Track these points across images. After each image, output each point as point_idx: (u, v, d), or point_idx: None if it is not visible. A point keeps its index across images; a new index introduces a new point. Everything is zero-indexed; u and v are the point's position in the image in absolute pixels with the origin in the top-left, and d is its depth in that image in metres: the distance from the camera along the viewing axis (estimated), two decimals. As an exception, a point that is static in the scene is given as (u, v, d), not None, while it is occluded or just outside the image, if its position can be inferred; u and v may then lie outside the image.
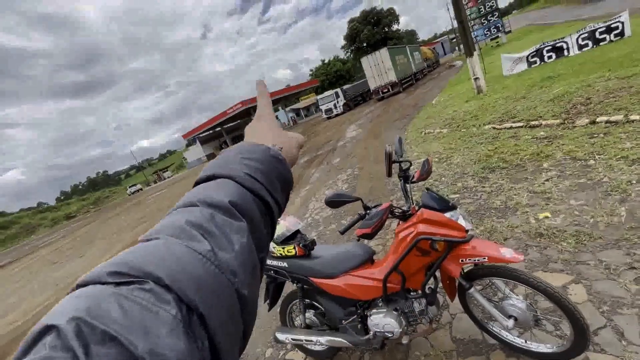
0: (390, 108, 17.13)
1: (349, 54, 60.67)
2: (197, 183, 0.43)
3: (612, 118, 4.21)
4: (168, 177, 64.40)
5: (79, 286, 0.27)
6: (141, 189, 54.61)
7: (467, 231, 1.65)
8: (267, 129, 0.56)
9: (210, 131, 52.41)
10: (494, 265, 1.69)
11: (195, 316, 0.27)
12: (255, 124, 0.58)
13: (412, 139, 8.06)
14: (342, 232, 1.79)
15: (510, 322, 1.66)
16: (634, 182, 2.87)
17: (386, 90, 24.30)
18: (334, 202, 1.76)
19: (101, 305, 0.24)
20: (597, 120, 4.37)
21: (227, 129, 52.33)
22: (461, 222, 1.67)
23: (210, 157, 52.91)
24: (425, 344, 2.16)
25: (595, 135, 4.02)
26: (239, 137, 54.30)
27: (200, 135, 52.52)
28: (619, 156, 3.34)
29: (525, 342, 1.79)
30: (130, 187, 57.35)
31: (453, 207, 1.73)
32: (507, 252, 1.57)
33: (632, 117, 3.99)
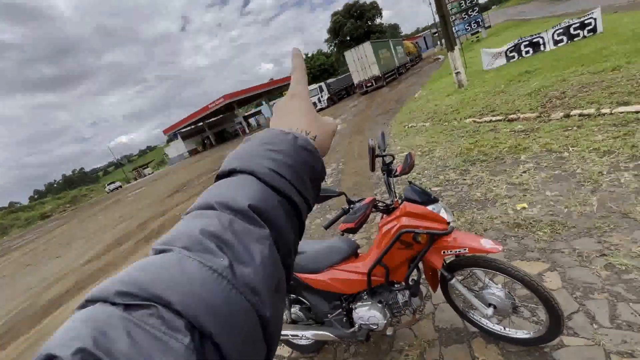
0: (374, 102, 17.22)
1: (332, 47, 60.39)
2: (218, 177, 0.39)
3: (585, 111, 4.38)
4: (148, 174, 62.70)
5: (87, 302, 0.25)
6: (120, 187, 52.93)
7: (448, 223, 1.68)
8: (300, 111, 0.47)
9: (192, 126, 51.24)
10: (474, 255, 1.74)
11: (210, 344, 0.24)
12: (287, 102, 0.49)
13: (395, 133, 8.13)
14: (326, 227, 1.79)
15: (490, 310, 1.72)
16: (605, 172, 3.01)
17: (370, 84, 24.40)
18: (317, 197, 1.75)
19: (108, 334, 0.22)
20: (571, 113, 4.54)
21: (209, 124, 51.32)
22: (443, 214, 1.70)
23: (193, 152, 51.82)
24: (409, 335, 2.21)
25: (569, 128, 4.18)
26: (222, 133, 53.44)
27: (182, 131, 51.25)
28: (591, 148, 3.48)
29: (504, 328, 1.86)
30: (108, 184, 55.46)
31: (435, 200, 1.75)
32: (486, 243, 1.61)
33: (603, 110, 4.16)
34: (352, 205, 1.81)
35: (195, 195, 12.05)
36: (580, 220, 2.56)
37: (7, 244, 31.16)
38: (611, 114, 4.05)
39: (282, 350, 2.57)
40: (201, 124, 49.97)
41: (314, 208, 5.10)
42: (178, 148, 54.50)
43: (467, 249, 1.62)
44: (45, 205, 52.59)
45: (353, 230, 1.68)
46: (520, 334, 1.79)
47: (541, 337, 1.69)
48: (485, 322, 1.91)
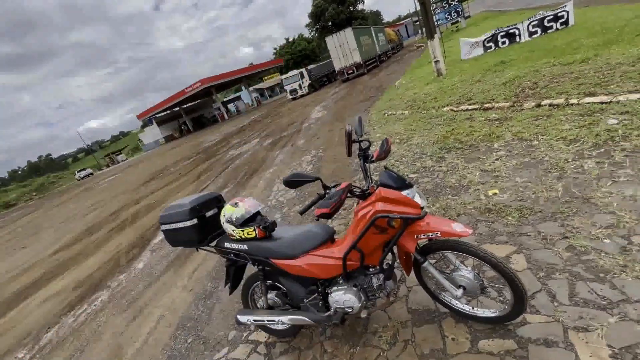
0: (355, 90, 17.17)
1: (314, 32, 59.28)
2: None
3: (555, 101, 4.55)
4: (122, 161, 60.15)
5: None
6: (92, 174, 50.53)
7: (422, 208, 1.71)
8: None
9: (168, 111, 49.36)
10: (446, 239, 1.78)
11: None
12: None
13: (375, 120, 8.17)
14: (302, 213, 1.78)
15: (460, 292, 1.78)
16: (570, 160, 3.15)
17: (351, 71, 24.26)
18: (292, 182, 1.73)
19: None
20: (542, 103, 4.70)
21: (186, 109, 49.58)
22: (417, 199, 1.72)
23: (169, 138, 50.06)
24: (383, 317, 2.27)
25: (539, 118, 4.33)
26: (199, 118, 51.80)
27: (157, 116, 49.29)
28: (559, 137, 3.63)
29: (472, 308, 1.94)
30: (78, 171, 52.73)
31: (409, 185, 1.77)
32: (457, 227, 1.65)
33: (572, 101, 4.34)
34: (327, 191, 1.80)
35: (172, 183, 11.73)
36: (546, 205, 2.68)
37: (-33, 234, 29.27)
38: (578, 104, 4.23)
39: (259, 336, 2.58)
40: (178, 109, 48.22)
41: (294, 194, 5.07)
42: (153, 134, 52.48)
43: (439, 232, 1.66)
44: (9, 193, 49.54)
45: (328, 216, 1.68)
46: (488, 313, 1.87)
47: (506, 315, 1.78)
48: (455, 303, 1.98)
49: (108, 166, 60.12)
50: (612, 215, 2.30)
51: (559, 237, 2.30)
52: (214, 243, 2.29)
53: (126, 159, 62.16)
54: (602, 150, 3.10)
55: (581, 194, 2.64)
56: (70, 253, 7.53)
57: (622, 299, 1.74)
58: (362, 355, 2.05)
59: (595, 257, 2.03)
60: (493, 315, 1.84)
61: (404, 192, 1.73)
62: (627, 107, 3.61)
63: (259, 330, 2.61)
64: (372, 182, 1.90)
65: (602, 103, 3.98)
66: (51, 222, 14.02)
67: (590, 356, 1.54)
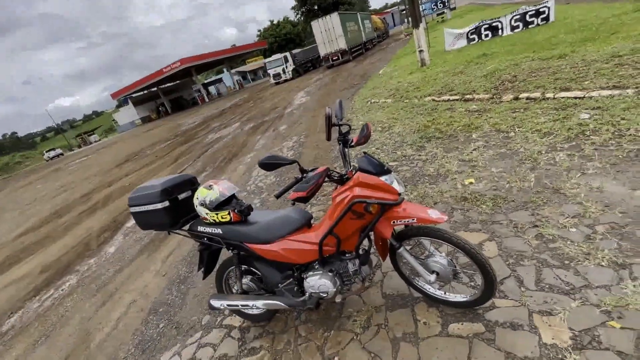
0: (340, 77, 16.99)
1: (299, 16, 57.77)
2: None
3: (532, 95, 4.66)
4: (95, 142, 57.38)
5: None
6: (62, 154, 48.07)
7: (399, 194, 1.70)
8: None
9: (145, 91, 47.22)
10: (422, 225, 1.79)
11: None
12: None
13: (358, 108, 8.12)
14: (277, 196, 1.73)
15: (433, 277, 1.80)
16: (543, 152, 3.24)
17: (336, 58, 23.95)
18: (268, 165, 1.67)
19: None
20: (520, 96, 4.80)
21: (164, 90, 47.58)
22: (395, 185, 1.71)
23: (146, 120, 48.08)
24: (358, 301, 2.28)
25: (517, 110, 4.42)
26: (178, 100, 49.92)
27: (133, 96, 47.05)
28: (534, 129, 3.73)
29: (445, 293, 1.98)
30: (47, 151, 49.97)
31: (388, 171, 1.75)
32: (433, 214, 1.66)
33: (548, 95, 4.45)
34: (304, 175, 1.75)
35: (148, 165, 11.31)
36: (519, 195, 2.75)
37: None
38: (554, 98, 4.34)
39: (233, 320, 2.55)
40: (155, 89, 46.17)
41: (273, 180, 5.00)
42: (129, 114, 50.20)
43: (415, 219, 1.66)
44: (-31, 172, 46.41)
45: (304, 200, 1.64)
46: (459, 298, 1.92)
47: (476, 300, 1.83)
48: (428, 288, 2.02)
49: (80, 147, 57.28)
50: (579, 206, 2.39)
51: (529, 226, 2.38)
52: (187, 227, 2.21)
53: (99, 140, 59.43)
54: (574, 143, 3.21)
55: (552, 184, 2.73)
56: (36, 236, 7.17)
57: (584, 284, 1.82)
58: (335, 339, 2.07)
59: (562, 245, 2.11)
60: (464, 299, 1.89)
61: (382, 178, 1.71)
62: (599, 102, 3.74)
63: (234, 315, 2.58)
64: (350, 167, 1.86)
65: (576, 98, 4.10)
66: (16, 204, 13.27)
67: (552, 338, 1.61)
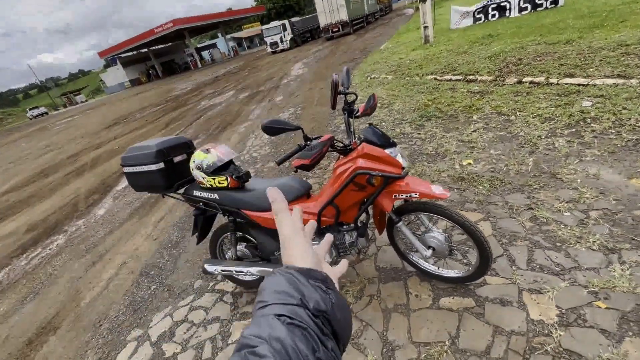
0: (339, 50, 16.46)
1: (300, -19, 54.98)
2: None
3: (536, 79, 4.59)
4: (81, 102, 55.24)
5: None
6: (46, 113, 46.29)
7: (403, 168, 1.67)
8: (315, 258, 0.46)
9: (135, 52, 45.10)
10: (422, 201, 1.78)
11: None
12: (296, 240, 0.47)
13: (357, 83, 7.92)
14: (279, 163, 1.68)
15: (429, 252, 1.82)
16: (543, 137, 3.24)
17: (336, 29, 23.11)
18: (272, 129, 1.60)
19: None
20: (523, 80, 4.73)
21: (155, 52, 45.53)
22: (399, 159, 1.68)
23: (135, 82, 46.26)
24: (351, 272, 2.31)
25: (519, 94, 4.37)
26: (169, 64, 47.93)
27: (122, 56, 44.91)
28: (535, 114, 3.70)
29: (438, 269, 2.01)
30: (30, 109, 48.03)
31: (393, 144, 1.72)
32: (436, 189, 1.64)
33: (551, 80, 4.39)
34: (308, 142, 1.70)
35: (138, 129, 10.98)
36: (516, 178, 2.77)
37: None
38: (557, 84, 4.29)
39: (226, 285, 2.57)
40: (146, 50, 44.12)
41: (269, 150, 4.92)
42: (117, 75, 48.14)
43: (417, 194, 1.64)
44: (-53, 126, 44.46)
45: (307, 167, 1.60)
46: (452, 273, 1.95)
47: (469, 276, 1.86)
48: (422, 263, 2.05)
49: (65, 106, 55.20)
50: (575, 191, 2.42)
51: (524, 208, 2.40)
52: (181, 190, 2.16)
53: (86, 100, 57.26)
54: (574, 130, 3.21)
55: (549, 169, 2.74)
56: (21, 195, 7.00)
57: (574, 266, 1.86)
58: (328, 308, 2.10)
59: (555, 228, 2.15)
60: (457, 275, 1.92)
61: (387, 151, 1.67)
62: (602, 90, 3.71)
63: (226, 280, 2.59)
64: (355, 138, 1.82)
65: (579, 85, 4.06)
66: (-1, 162, 12.86)
67: (540, 315, 1.66)
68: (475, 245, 1.71)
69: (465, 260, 2.09)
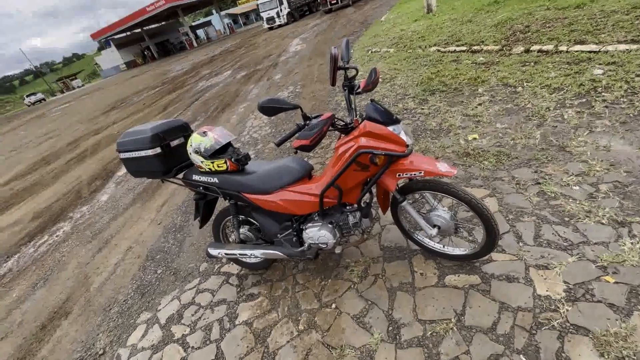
0: (338, 23, 15.86)
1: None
2: None
3: (544, 47, 4.39)
4: (78, 87, 54.46)
5: None
6: (44, 99, 45.79)
7: (407, 146, 1.60)
8: None
9: (128, 32, 43.87)
10: (427, 179, 1.72)
11: None
12: None
13: (358, 57, 7.67)
14: (278, 144, 1.61)
15: (434, 231, 1.79)
16: (552, 109, 3.12)
17: (335, 1, 22.19)
18: (268, 109, 1.53)
19: None
20: (531, 48, 4.52)
21: (148, 32, 44.28)
22: (403, 136, 1.61)
23: (131, 65, 45.34)
24: (356, 252, 2.30)
25: (527, 63, 4.19)
26: (164, 44, 46.70)
27: (115, 37, 43.78)
28: (543, 84, 3.56)
29: (444, 247, 1.99)
30: (28, 96, 47.46)
31: (397, 121, 1.64)
32: (442, 167, 1.58)
33: (561, 48, 4.20)
34: (308, 122, 1.63)
35: (136, 114, 10.85)
36: (523, 152, 2.69)
37: None
38: (567, 51, 4.10)
39: (231, 268, 2.58)
40: (139, 30, 42.89)
41: (269, 131, 4.82)
42: (112, 58, 47.14)
43: (422, 172, 1.59)
44: (-54, 116, 44.26)
45: (308, 148, 1.54)
46: (457, 251, 1.93)
47: (475, 254, 1.84)
48: (427, 241, 2.02)
49: (62, 92, 54.50)
50: (584, 164, 2.35)
51: (532, 183, 2.35)
52: (181, 175, 2.12)
53: (83, 85, 56.44)
54: (584, 100, 3.08)
55: (558, 142, 2.66)
56: (25, 183, 7.02)
57: (582, 241, 1.83)
58: (332, 288, 2.11)
59: (563, 203, 2.10)
60: (463, 253, 1.90)
61: (390, 128, 1.60)
62: (615, 57, 3.54)
63: (231, 263, 2.60)
64: (356, 115, 1.74)
65: (590, 52, 3.87)
66: (0, 151, 12.85)
67: (547, 290, 1.65)
68: (482, 222, 1.67)
69: (471, 238, 2.06)
